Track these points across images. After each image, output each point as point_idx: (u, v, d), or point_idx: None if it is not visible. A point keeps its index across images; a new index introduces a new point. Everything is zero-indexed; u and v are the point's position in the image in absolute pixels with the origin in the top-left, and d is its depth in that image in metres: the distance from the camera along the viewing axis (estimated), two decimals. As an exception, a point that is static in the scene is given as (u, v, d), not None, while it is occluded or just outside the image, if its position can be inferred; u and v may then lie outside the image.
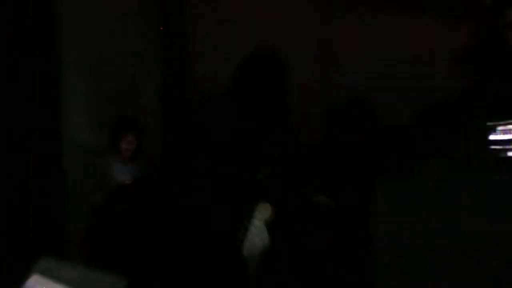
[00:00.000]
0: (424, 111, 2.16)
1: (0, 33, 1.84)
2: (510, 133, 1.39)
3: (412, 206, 1.30)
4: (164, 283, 1.83)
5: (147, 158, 2.47)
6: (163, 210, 1.96)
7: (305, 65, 2.68)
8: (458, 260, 1.16)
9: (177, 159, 2.23)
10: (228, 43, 2.42)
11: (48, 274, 0.68)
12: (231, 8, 2.69)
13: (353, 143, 2.11)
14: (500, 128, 1.39)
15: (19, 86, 1.79)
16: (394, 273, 1.28)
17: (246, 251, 1.74)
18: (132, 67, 2.56)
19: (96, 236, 1.89)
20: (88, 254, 1.88)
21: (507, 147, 1.40)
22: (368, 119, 2.18)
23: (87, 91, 2.44)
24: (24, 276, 0.73)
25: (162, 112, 2.62)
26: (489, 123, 1.40)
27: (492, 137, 1.42)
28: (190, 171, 2.06)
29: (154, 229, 1.94)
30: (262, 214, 1.80)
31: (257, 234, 1.76)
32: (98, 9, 2.43)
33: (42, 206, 2.06)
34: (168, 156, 2.45)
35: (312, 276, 1.77)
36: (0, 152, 1.84)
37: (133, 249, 1.87)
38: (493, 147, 1.41)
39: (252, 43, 2.17)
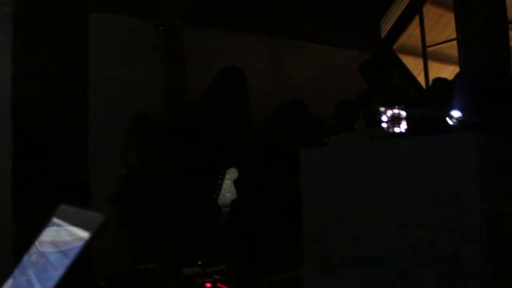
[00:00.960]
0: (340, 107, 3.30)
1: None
2: (395, 115, 1.70)
3: (328, 169, 1.64)
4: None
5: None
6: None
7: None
8: (367, 214, 1.43)
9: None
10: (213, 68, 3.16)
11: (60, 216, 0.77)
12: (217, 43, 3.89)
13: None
14: (388, 112, 1.70)
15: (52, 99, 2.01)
16: (318, 226, 1.60)
17: (220, 202, 2.29)
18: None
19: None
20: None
21: (394, 125, 1.72)
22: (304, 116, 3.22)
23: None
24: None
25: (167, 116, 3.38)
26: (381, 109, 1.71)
27: (383, 118, 1.74)
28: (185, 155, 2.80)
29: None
30: (231, 175, 2.32)
31: (227, 190, 2.30)
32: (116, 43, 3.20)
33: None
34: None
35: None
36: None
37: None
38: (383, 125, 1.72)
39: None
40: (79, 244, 0.64)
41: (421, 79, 5.32)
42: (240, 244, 2.23)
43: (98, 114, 2.59)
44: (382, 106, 1.68)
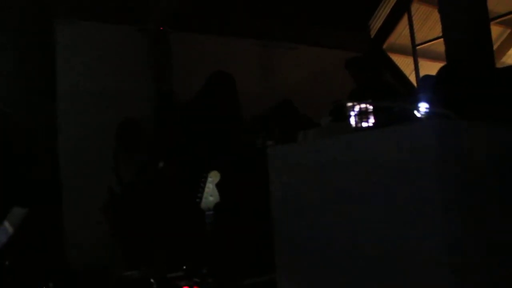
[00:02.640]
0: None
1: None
2: (363, 109, 1.70)
3: (295, 166, 1.65)
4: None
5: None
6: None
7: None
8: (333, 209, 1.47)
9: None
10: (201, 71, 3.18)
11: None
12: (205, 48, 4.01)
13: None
14: (356, 107, 1.71)
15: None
16: (286, 223, 1.61)
17: (203, 205, 2.30)
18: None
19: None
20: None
21: (362, 119, 1.72)
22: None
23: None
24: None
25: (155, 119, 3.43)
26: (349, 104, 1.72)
27: (351, 113, 1.74)
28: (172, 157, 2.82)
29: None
30: (213, 178, 2.33)
31: (210, 193, 2.31)
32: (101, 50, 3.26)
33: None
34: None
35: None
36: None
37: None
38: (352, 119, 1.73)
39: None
40: (5, 238, 0.68)
41: (412, 78, 5.32)
42: (221, 247, 2.23)
43: (84, 121, 2.63)
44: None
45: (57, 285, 1.78)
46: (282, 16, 4.40)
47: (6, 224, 0.79)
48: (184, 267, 2.10)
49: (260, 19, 4.29)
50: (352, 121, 1.67)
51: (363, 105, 1.67)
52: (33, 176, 1.95)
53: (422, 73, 5.23)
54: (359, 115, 1.67)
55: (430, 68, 5.45)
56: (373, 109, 1.65)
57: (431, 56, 5.52)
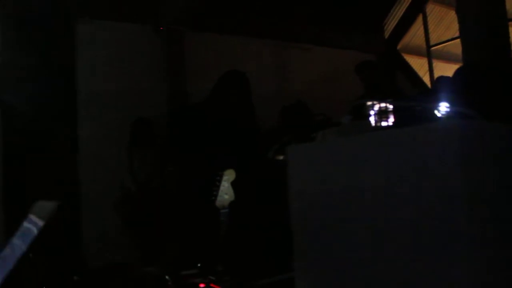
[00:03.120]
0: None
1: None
2: (382, 109, 1.69)
3: (315, 164, 1.65)
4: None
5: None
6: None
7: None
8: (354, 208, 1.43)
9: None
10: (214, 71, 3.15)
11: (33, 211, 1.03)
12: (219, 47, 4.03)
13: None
14: (375, 107, 1.69)
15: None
16: (306, 223, 1.60)
17: (218, 203, 2.31)
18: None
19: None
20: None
21: (382, 118, 1.71)
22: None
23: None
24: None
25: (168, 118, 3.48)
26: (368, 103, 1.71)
27: (371, 112, 1.73)
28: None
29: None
30: (228, 176, 2.34)
31: (225, 192, 2.31)
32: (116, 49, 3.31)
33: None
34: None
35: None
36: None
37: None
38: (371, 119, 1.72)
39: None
40: (35, 231, 0.67)
41: (426, 79, 5.27)
42: (237, 245, 2.23)
43: (97, 120, 2.65)
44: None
45: (80, 280, 1.80)
46: (297, 17, 4.39)
47: (33, 217, 0.79)
48: (199, 265, 2.11)
49: (275, 20, 4.28)
50: (372, 120, 1.66)
51: (383, 104, 1.66)
52: (54, 173, 1.98)
53: (436, 74, 5.18)
54: (379, 114, 1.66)
55: (445, 69, 5.39)
56: (393, 108, 1.64)
57: (446, 57, 5.46)
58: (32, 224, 0.75)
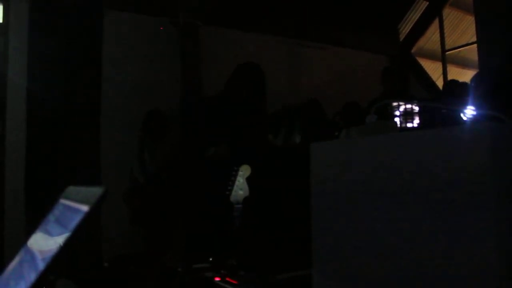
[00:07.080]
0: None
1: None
2: (408, 110, 1.68)
3: (338, 163, 1.63)
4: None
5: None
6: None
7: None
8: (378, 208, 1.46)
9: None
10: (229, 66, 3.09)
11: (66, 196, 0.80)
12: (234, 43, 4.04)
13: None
14: (401, 107, 1.69)
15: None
16: (327, 221, 1.60)
17: (232, 198, 2.30)
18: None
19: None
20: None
21: (407, 119, 1.70)
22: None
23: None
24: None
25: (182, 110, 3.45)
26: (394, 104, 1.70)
27: (396, 113, 1.72)
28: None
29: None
30: (243, 172, 2.33)
31: (240, 187, 2.31)
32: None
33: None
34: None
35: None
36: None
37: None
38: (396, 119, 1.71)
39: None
40: (79, 217, 0.65)
41: (440, 84, 5.23)
42: (252, 240, 2.22)
43: (112, 110, 2.64)
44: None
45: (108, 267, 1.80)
46: (313, 16, 4.37)
47: (68, 202, 0.76)
48: (211, 259, 2.10)
49: (291, 18, 4.26)
50: (397, 120, 1.64)
51: (408, 105, 1.65)
52: (79, 161, 1.98)
53: (450, 79, 5.15)
54: (404, 115, 1.65)
55: (459, 74, 5.36)
56: (419, 110, 1.62)
57: (460, 63, 5.42)
58: (70, 210, 0.73)
